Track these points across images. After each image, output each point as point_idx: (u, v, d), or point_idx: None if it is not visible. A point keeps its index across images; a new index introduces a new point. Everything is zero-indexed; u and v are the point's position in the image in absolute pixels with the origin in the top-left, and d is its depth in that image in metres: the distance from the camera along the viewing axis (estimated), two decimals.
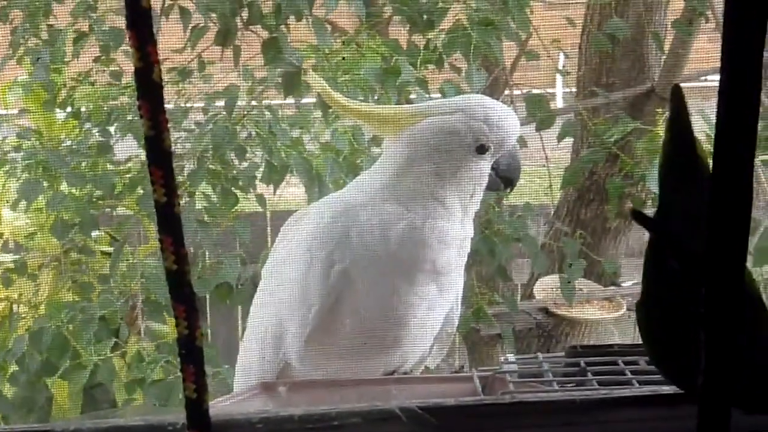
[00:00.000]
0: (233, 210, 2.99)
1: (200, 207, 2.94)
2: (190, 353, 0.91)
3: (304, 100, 3.04)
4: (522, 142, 2.97)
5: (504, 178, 1.70)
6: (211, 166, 2.91)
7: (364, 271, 1.64)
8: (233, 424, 1.34)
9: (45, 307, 3.04)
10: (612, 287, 3.47)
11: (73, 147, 3.10)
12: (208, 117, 3.01)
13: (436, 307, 1.72)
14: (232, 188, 2.95)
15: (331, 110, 2.79)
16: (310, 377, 1.68)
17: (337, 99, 1.70)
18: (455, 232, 1.68)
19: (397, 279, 1.64)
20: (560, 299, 3.29)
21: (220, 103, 3.04)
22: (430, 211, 1.65)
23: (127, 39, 0.86)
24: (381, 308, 1.63)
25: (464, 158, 1.65)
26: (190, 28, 3.02)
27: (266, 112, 2.93)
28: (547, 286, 3.36)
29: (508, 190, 1.78)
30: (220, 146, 2.86)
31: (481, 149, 1.64)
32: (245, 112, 2.96)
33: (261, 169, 2.97)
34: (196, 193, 2.95)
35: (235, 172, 2.95)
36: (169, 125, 0.88)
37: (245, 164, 2.96)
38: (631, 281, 3.61)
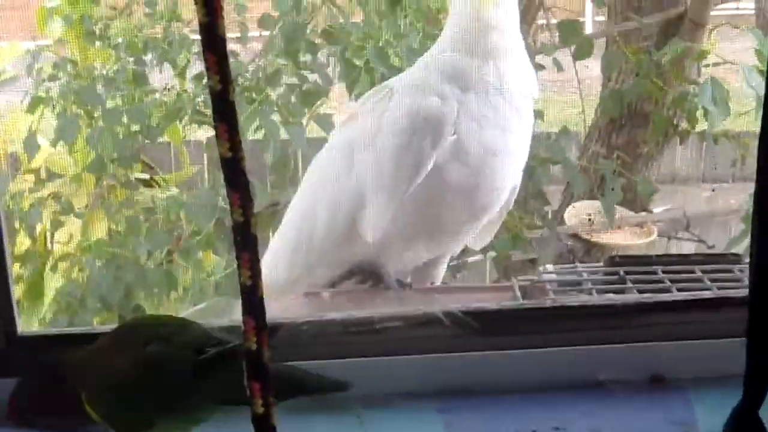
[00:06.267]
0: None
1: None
2: (246, 240, 0.92)
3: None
4: (558, 65, 2.97)
5: None
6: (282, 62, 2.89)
7: (471, 135, 1.66)
8: (279, 326, 1.36)
9: (94, 247, 3.05)
10: (643, 213, 3.46)
11: (109, 76, 3.09)
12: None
13: (514, 171, 1.75)
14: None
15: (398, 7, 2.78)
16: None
17: None
18: (523, 66, 1.73)
19: (496, 132, 1.67)
20: (591, 225, 3.30)
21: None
22: (491, 51, 1.69)
23: None
24: (481, 171, 1.65)
25: None
26: None
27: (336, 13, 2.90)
28: (578, 212, 3.36)
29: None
30: (290, 42, 2.82)
31: None
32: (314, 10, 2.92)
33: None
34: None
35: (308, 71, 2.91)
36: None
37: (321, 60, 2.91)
38: (663, 207, 3.60)
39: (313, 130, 3.03)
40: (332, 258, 1.70)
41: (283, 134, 3.08)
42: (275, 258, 1.78)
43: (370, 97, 1.79)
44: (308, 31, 2.98)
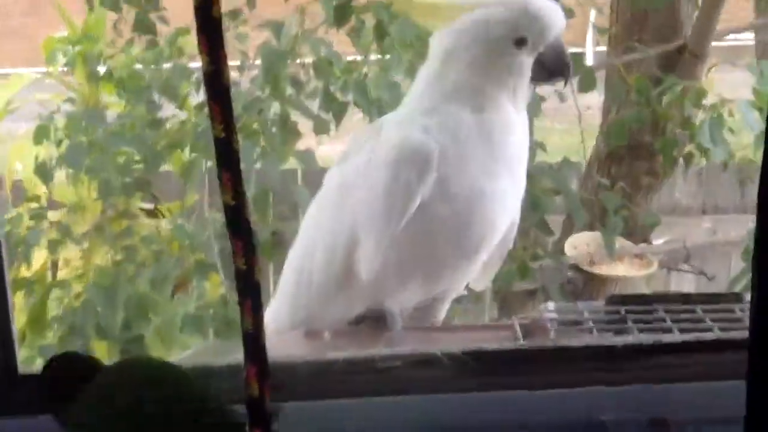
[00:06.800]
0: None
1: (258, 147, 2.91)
2: (248, 287, 0.92)
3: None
4: (560, 97, 2.99)
5: (552, 72, 1.71)
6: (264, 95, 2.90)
7: (453, 176, 1.64)
8: (278, 367, 1.35)
9: (93, 274, 3.05)
10: (643, 244, 3.47)
11: (119, 120, 3.09)
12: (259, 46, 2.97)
13: (509, 206, 1.72)
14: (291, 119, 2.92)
15: (385, 40, 2.78)
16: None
17: None
18: (511, 119, 1.69)
19: (481, 177, 1.65)
20: (591, 256, 3.30)
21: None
22: (475, 103, 1.66)
23: None
24: (470, 211, 1.64)
25: (502, 51, 1.65)
26: None
27: (319, 45, 2.91)
28: (578, 243, 3.37)
29: (561, 83, 1.78)
30: (272, 72, 2.83)
31: (520, 42, 1.65)
32: (297, 36, 2.92)
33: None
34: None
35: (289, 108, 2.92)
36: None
37: (305, 93, 2.92)
38: (663, 239, 3.61)
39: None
40: (333, 300, 1.69)
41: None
42: (278, 303, 1.77)
43: (360, 135, 1.79)
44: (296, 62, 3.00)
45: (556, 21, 1.66)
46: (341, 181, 1.74)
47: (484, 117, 1.65)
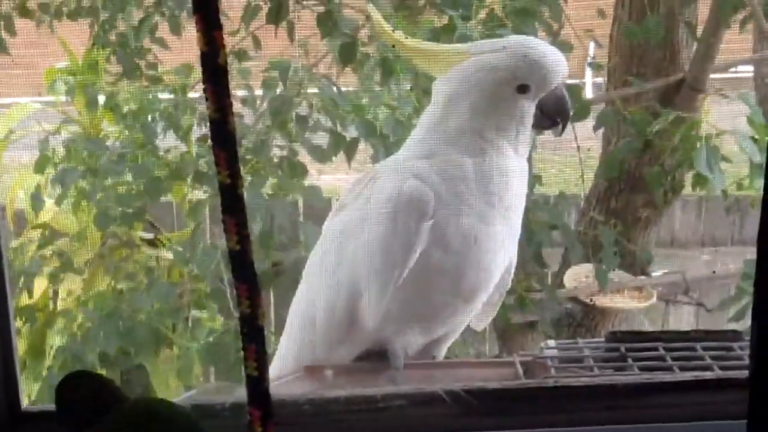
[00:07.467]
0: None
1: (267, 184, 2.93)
2: (252, 332, 0.93)
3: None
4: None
5: (552, 118, 1.70)
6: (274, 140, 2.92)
7: (448, 223, 1.64)
8: (280, 405, 1.37)
9: (92, 302, 3.06)
10: (642, 277, 3.47)
11: (118, 148, 3.11)
12: (263, 83, 2.99)
13: (504, 250, 1.71)
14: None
15: (391, 78, 2.79)
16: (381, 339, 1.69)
17: (392, 35, 1.72)
18: (510, 165, 1.68)
19: (477, 223, 1.64)
20: (590, 288, 3.30)
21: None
22: (476, 148, 1.66)
23: (194, 23, 0.88)
24: (465, 257, 1.63)
25: (504, 96, 1.65)
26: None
27: (323, 81, 2.93)
28: (577, 276, 3.37)
29: (558, 130, 1.75)
30: (279, 116, 2.86)
31: (522, 88, 1.65)
32: (303, 81, 2.94)
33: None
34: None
35: (299, 143, 2.94)
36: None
37: (309, 135, 2.94)
38: (662, 271, 3.61)
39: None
40: (337, 345, 1.69)
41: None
42: (284, 349, 1.78)
43: (356, 184, 1.79)
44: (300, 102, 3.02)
45: (558, 68, 1.66)
46: (339, 232, 1.74)
47: (485, 162, 1.65)
